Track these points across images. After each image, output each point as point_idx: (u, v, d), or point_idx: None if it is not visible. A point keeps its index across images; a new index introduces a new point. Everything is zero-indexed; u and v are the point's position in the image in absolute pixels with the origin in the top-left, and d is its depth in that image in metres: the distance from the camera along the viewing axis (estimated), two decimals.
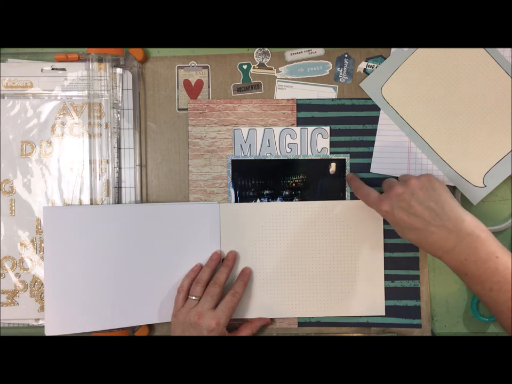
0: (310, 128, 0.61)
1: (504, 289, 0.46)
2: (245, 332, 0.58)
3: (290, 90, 0.62)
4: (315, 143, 0.61)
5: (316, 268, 0.60)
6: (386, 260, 0.60)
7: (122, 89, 0.61)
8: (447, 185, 0.60)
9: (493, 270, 0.47)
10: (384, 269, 0.60)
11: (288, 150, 0.61)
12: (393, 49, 0.61)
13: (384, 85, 0.61)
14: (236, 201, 0.61)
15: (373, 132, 0.61)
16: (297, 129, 0.61)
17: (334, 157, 0.61)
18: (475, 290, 0.49)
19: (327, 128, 0.61)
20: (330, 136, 0.61)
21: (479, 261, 0.47)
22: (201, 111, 0.61)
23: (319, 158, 0.61)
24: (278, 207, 0.60)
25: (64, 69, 0.60)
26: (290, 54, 0.61)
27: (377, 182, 0.61)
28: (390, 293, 0.60)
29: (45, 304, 0.56)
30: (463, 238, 0.48)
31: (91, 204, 0.60)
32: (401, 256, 0.61)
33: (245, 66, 0.62)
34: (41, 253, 0.60)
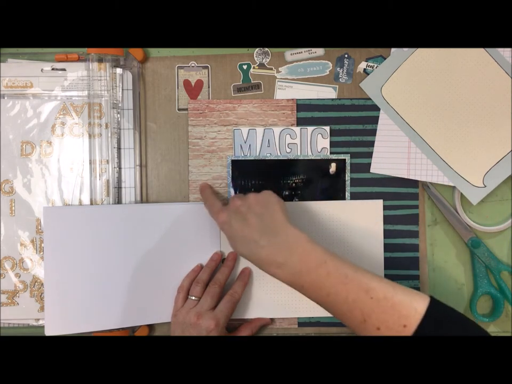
0: (310, 128, 0.61)
1: (339, 291, 0.46)
2: (244, 332, 0.58)
3: (290, 90, 0.62)
4: (315, 143, 0.61)
5: None
6: (386, 260, 0.60)
7: (122, 89, 0.61)
8: (447, 185, 0.60)
9: (324, 276, 0.46)
10: (384, 269, 0.60)
11: (288, 150, 0.61)
12: (393, 49, 0.61)
13: (384, 85, 0.61)
14: None
15: (373, 132, 0.61)
16: (297, 129, 0.61)
17: (334, 157, 0.61)
18: (315, 300, 0.49)
19: (327, 128, 0.61)
20: (330, 136, 0.61)
21: (311, 270, 0.47)
22: (201, 111, 0.61)
23: (319, 158, 0.61)
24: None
25: (64, 69, 0.60)
26: (290, 54, 0.61)
27: (377, 182, 0.61)
28: None
29: (45, 304, 0.56)
30: (291, 251, 0.48)
31: (91, 204, 0.60)
32: (401, 256, 0.61)
33: (245, 67, 0.62)
34: (41, 253, 0.60)
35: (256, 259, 0.49)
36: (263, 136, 0.61)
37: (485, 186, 0.60)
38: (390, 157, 0.61)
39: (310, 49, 0.61)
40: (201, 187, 0.60)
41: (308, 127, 0.61)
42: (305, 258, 0.47)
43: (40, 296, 0.60)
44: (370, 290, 0.45)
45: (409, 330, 0.44)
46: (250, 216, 0.50)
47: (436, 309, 0.45)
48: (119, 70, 0.60)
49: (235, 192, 0.61)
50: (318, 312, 0.60)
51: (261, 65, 0.62)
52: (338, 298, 0.46)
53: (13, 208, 0.60)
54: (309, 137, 0.61)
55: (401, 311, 0.44)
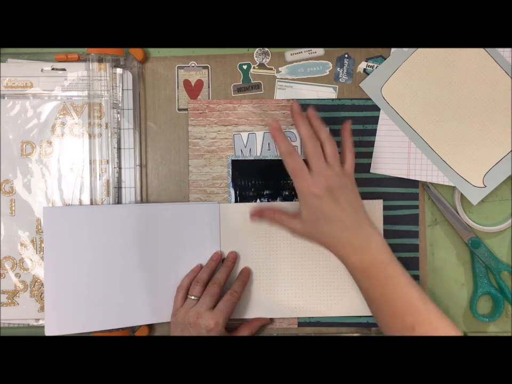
0: None
1: (402, 292, 0.49)
2: (244, 332, 0.58)
3: (290, 90, 0.62)
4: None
5: (316, 268, 0.60)
6: None
7: (122, 90, 0.61)
8: (447, 185, 0.60)
9: (393, 273, 0.50)
10: None
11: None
12: (393, 49, 0.61)
13: (384, 85, 0.61)
14: (236, 201, 0.61)
15: (373, 132, 0.61)
16: (296, 131, 0.61)
17: None
18: (373, 294, 0.51)
19: (327, 129, 0.60)
20: None
21: (384, 264, 0.50)
22: (201, 111, 0.61)
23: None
24: (278, 207, 0.60)
25: (64, 69, 0.60)
26: (290, 54, 0.61)
27: (377, 182, 0.61)
28: None
29: (45, 304, 0.56)
30: (371, 240, 0.51)
31: (91, 204, 0.60)
32: (401, 256, 0.61)
33: (245, 67, 0.62)
34: (41, 253, 0.60)
35: (335, 239, 0.51)
36: (263, 140, 0.61)
37: (485, 186, 0.60)
38: (390, 157, 0.61)
39: (310, 49, 0.61)
40: (276, 131, 0.53)
41: None
42: (381, 250, 0.50)
43: (40, 296, 0.60)
44: (427, 303, 0.49)
45: None
46: (342, 199, 0.51)
47: None
48: (119, 70, 0.60)
49: (235, 192, 0.61)
50: (318, 312, 0.60)
51: (261, 65, 0.62)
52: (398, 298, 0.49)
53: (13, 208, 0.60)
54: None
55: (447, 330, 0.48)
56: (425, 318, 0.48)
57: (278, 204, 0.61)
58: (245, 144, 0.61)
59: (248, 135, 0.61)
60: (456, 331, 0.48)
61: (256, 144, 0.61)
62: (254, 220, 0.58)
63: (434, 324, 0.48)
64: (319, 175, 0.51)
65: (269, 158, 0.61)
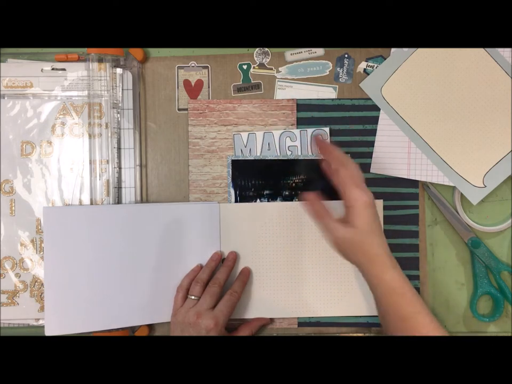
0: (310, 130, 0.61)
1: (422, 314, 0.49)
2: (244, 332, 0.58)
3: (290, 90, 0.62)
4: (315, 144, 0.61)
5: (315, 268, 0.60)
6: None
7: (122, 89, 0.61)
8: (447, 185, 0.60)
9: (415, 292, 0.50)
10: None
11: (289, 152, 0.61)
12: (393, 49, 0.61)
13: (384, 85, 0.61)
14: (236, 201, 0.61)
15: (373, 132, 0.61)
16: (296, 131, 0.61)
17: None
18: (401, 314, 0.49)
19: (327, 129, 0.61)
20: (330, 136, 0.61)
21: (405, 284, 0.50)
22: (201, 111, 0.61)
23: (319, 158, 0.61)
24: (278, 207, 0.60)
25: (64, 69, 0.60)
26: (290, 54, 0.61)
27: (377, 182, 0.61)
28: None
29: (45, 304, 0.56)
30: (394, 261, 0.51)
31: (91, 204, 0.60)
32: (401, 256, 0.61)
33: (245, 66, 0.62)
34: (41, 253, 0.60)
35: (383, 251, 0.50)
36: (263, 139, 0.61)
37: (485, 186, 0.60)
38: (390, 157, 0.61)
39: (310, 49, 0.61)
40: (323, 144, 0.54)
41: (307, 129, 0.61)
42: (401, 273, 0.50)
43: (40, 296, 0.60)
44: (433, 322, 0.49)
45: None
46: (376, 214, 0.51)
47: None
48: (119, 70, 0.60)
49: (235, 192, 0.61)
50: (318, 312, 0.60)
51: (261, 65, 0.62)
52: (420, 319, 0.49)
53: (13, 208, 0.60)
54: (309, 139, 0.61)
55: None
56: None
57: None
58: (245, 144, 0.61)
59: (248, 135, 0.61)
60: None
61: (256, 144, 0.61)
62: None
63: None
64: (365, 186, 0.51)
65: (269, 158, 0.61)
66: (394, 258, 0.51)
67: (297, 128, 0.61)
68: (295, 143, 0.61)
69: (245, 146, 0.61)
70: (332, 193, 0.60)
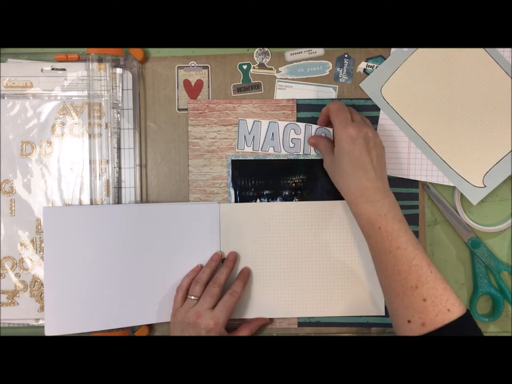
0: (315, 127, 0.61)
1: (409, 250, 0.50)
2: (244, 332, 0.58)
3: (290, 90, 0.62)
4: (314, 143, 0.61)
5: (315, 268, 0.60)
6: None
7: (122, 89, 0.61)
8: (447, 185, 0.60)
9: (403, 230, 0.51)
10: None
11: (292, 145, 0.61)
12: (393, 49, 0.61)
13: (384, 85, 0.61)
14: (236, 201, 0.61)
15: None
16: (302, 125, 0.61)
17: None
18: (381, 248, 0.51)
19: (331, 130, 0.60)
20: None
21: (395, 219, 0.51)
22: (201, 111, 0.61)
23: (319, 158, 0.61)
24: (278, 207, 0.60)
25: (64, 69, 0.60)
26: (290, 54, 0.61)
27: None
28: None
29: (45, 304, 0.56)
30: (388, 195, 0.53)
31: (91, 204, 0.60)
32: None
33: (245, 66, 0.62)
34: (41, 253, 0.60)
35: (353, 184, 0.53)
36: (268, 129, 0.61)
37: (485, 186, 0.60)
38: (390, 157, 0.61)
39: (310, 49, 0.61)
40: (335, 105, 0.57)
41: (312, 125, 0.60)
42: (394, 207, 0.52)
43: (40, 296, 0.60)
44: (431, 266, 0.50)
45: (450, 317, 0.47)
46: (373, 151, 0.53)
47: (472, 317, 0.49)
48: (119, 70, 0.60)
49: (235, 192, 0.61)
50: (318, 312, 0.60)
51: (261, 65, 0.62)
52: (405, 255, 0.50)
53: (13, 208, 0.60)
54: (313, 134, 0.61)
55: (449, 297, 0.48)
56: (429, 279, 0.49)
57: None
58: (249, 131, 0.61)
59: (254, 122, 0.61)
60: (458, 301, 0.48)
61: (261, 132, 0.61)
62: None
63: (438, 287, 0.48)
64: (360, 125, 0.54)
65: (269, 158, 0.61)
66: (383, 194, 0.52)
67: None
68: (298, 136, 0.61)
69: (249, 133, 0.61)
70: (331, 193, 0.60)
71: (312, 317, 0.61)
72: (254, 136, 0.61)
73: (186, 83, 0.62)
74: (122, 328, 0.58)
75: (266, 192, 0.61)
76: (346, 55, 0.61)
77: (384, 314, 0.60)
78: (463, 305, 0.48)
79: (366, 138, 0.53)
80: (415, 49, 0.60)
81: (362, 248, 0.60)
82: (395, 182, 0.61)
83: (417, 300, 0.48)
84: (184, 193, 0.62)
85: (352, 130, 0.53)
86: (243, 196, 0.61)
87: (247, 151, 0.61)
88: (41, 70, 0.60)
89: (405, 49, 0.60)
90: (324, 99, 0.61)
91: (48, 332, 0.56)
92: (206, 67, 0.62)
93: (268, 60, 0.62)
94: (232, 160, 0.61)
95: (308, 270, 0.60)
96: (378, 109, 0.61)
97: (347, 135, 0.53)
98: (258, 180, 0.61)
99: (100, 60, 0.60)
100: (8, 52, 0.60)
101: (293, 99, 0.61)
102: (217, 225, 0.60)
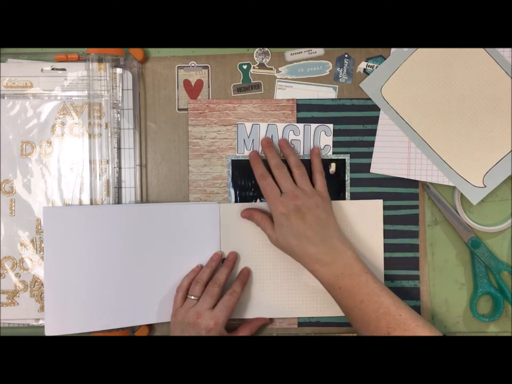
0: (314, 125, 0.61)
1: (373, 300, 0.51)
2: (244, 332, 0.58)
3: (290, 90, 0.62)
4: (318, 140, 0.61)
5: None
6: (386, 259, 0.60)
7: (122, 89, 0.61)
8: (447, 185, 0.60)
9: (364, 283, 0.52)
10: (384, 269, 0.60)
11: (291, 146, 0.61)
12: (393, 49, 0.61)
13: (384, 85, 0.61)
14: (236, 201, 0.61)
15: (373, 132, 0.61)
16: (300, 125, 0.61)
17: (334, 157, 0.61)
18: (346, 304, 0.52)
19: (330, 126, 0.61)
20: (332, 136, 0.61)
21: (353, 275, 0.52)
22: (201, 111, 0.61)
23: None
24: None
25: (64, 69, 0.60)
26: (290, 54, 0.61)
27: (377, 182, 0.61)
28: None
29: (45, 304, 0.56)
30: (341, 251, 0.53)
31: (91, 204, 0.60)
32: (401, 256, 0.61)
33: (245, 66, 0.62)
34: (41, 253, 0.60)
35: (303, 254, 0.54)
36: (266, 131, 0.61)
37: (485, 186, 0.60)
38: (390, 157, 0.61)
39: (310, 49, 0.61)
40: (253, 159, 0.59)
41: (311, 124, 0.61)
42: (351, 263, 0.53)
43: (40, 296, 0.60)
44: (400, 308, 0.50)
45: None
46: (309, 217, 0.54)
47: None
48: (119, 70, 0.60)
49: (235, 192, 0.61)
50: (318, 312, 0.60)
51: (261, 65, 0.62)
52: (370, 306, 0.51)
53: (13, 208, 0.60)
54: (312, 134, 0.61)
55: (423, 333, 0.48)
56: (399, 321, 0.49)
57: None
58: (248, 134, 0.61)
59: (252, 126, 0.61)
60: (432, 331, 0.49)
61: (260, 136, 0.61)
62: (244, 218, 0.60)
63: (410, 326, 0.49)
64: (287, 196, 0.55)
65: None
66: (335, 254, 0.53)
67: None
68: (298, 137, 0.61)
69: (248, 137, 0.61)
70: (331, 193, 0.60)
71: (312, 317, 0.61)
72: (253, 140, 0.61)
73: (186, 83, 0.62)
74: (122, 328, 0.58)
75: None
76: (346, 55, 0.61)
77: None
78: (438, 332, 0.49)
79: (296, 209, 0.54)
80: (415, 49, 0.60)
81: (362, 248, 0.60)
82: (395, 182, 0.61)
83: None
84: (184, 193, 0.62)
85: (282, 207, 0.54)
86: (243, 196, 0.61)
87: (247, 154, 0.61)
88: (41, 70, 0.60)
89: (405, 49, 0.60)
90: (324, 99, 0.61)
91: (48, 332, 0.56)
92: (206, 67, 0.62)
93: (268, 60, 0.62)
94: (232, 160, 0.61)
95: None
96: (378, 109, 0.61)
97: (279, 213, 0.55)
98: None
99: (100, 60, 0.59)
100: (8, 52, 0.60)
101: (293, 99, 0.61)
102: (217, 225, 0.60)
